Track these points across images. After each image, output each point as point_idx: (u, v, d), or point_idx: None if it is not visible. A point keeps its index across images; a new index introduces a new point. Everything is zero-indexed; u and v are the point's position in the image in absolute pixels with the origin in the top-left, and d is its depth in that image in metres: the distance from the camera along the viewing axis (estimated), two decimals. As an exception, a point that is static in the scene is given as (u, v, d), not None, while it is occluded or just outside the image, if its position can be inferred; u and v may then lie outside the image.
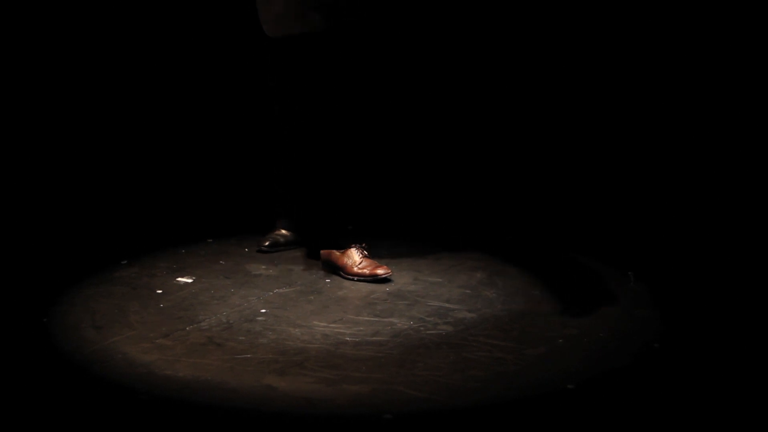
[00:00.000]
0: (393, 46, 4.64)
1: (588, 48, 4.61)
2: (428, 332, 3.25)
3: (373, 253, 3.81)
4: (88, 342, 3.19)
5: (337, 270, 3.76)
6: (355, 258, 3.73)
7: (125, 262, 3.93)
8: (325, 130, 3.84)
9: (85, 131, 4.77)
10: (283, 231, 4.06)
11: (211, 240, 4.19)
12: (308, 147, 3.92)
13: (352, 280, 3.71)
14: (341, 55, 3.76)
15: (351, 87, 3.81)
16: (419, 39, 4.76)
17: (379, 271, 3.69)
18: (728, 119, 4.36)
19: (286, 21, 3.75)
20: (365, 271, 3.70)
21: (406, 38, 4.72)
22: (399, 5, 4.57)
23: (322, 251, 3.83)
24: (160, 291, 3.63)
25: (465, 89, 4.81)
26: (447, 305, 3.48)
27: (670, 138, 4.50)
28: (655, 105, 4.54)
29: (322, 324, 3.32)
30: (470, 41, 4.76)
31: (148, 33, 4.79)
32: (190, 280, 3.73)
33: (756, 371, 2.96)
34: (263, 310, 3.45)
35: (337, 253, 3.77)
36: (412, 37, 4.74)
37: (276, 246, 4.04)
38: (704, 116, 4.41)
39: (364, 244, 3.77)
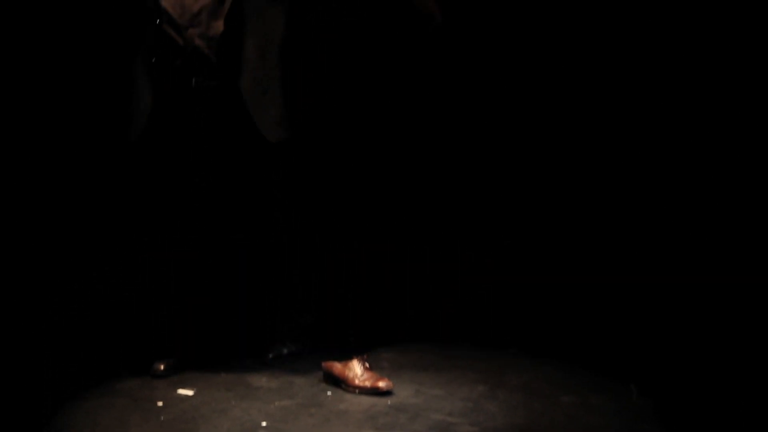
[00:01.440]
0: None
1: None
2: (430, 447, 3.24)
3: (374, 363, 3.81)
4: (89, 456, 3.18)
5: (339, 382, 3.76)
6: (356, 370, 3.73)
7: (126, 373, 3.92)
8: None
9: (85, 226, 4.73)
10: (286, 343, 4.07)
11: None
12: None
13: (354, 392, 3.70)
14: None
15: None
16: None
17: (381, 384, 3.69)
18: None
19: (283, 126, 3.85)
20: (366, 384, 3.70)
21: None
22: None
23: (323, 363, 3.83)
24: (161, 403, 3.62)
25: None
26: (449, 419, 3.47)
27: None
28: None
29: (324, 438, 3.31)
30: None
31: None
32: (191, 393, 3.72)
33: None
34: (264, 424, 3.44)
35: (338, 365, 3.77)
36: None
37: (278, 358, 4.03)
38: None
39: (365, 356, 3.78)
